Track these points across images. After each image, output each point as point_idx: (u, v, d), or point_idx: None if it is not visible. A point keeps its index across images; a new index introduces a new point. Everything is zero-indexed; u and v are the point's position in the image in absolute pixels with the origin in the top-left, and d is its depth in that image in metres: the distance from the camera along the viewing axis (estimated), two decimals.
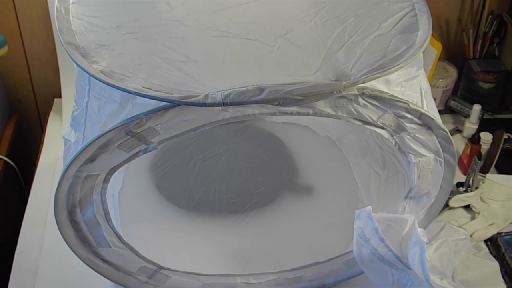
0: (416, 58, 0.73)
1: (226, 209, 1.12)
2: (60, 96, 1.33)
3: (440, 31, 1.45)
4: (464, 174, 1.22)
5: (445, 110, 1.41)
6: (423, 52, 1.33)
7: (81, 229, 0.80)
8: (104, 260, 0.85)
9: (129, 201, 1.09)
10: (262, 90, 0.65)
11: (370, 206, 0.82)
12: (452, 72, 1.40)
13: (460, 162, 1.25)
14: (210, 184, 1.17)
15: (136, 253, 0.86)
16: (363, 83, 0.68)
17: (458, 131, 1.36)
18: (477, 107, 1.31)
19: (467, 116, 1.35)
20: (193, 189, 1.16)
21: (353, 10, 0.82)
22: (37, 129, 1.45)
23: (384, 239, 0.81)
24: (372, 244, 0.81)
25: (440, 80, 1.37)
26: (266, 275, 0.95)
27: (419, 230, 0.81)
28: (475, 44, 1.40)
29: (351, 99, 0.71)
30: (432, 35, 1.28)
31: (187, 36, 0.77)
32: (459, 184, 1.18)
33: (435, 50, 1.28)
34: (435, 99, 1.38)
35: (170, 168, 1.20)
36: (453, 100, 1.39)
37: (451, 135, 1.32)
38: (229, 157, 1.24)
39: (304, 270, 0.96)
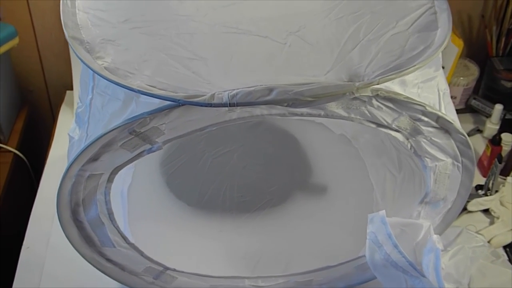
0: (434, 58, 0.69)
1: (237, 208, 1.10)
2: (72, 88, 1.31)
3: (462, 27, 1.41)
4: (484, 176, 1.18)
5: (466, 109, 1.37)
6: (444, 49, 1.30)
7: (84, 229, 0.78)
8: (109, 260, 0.83)
9: (138, 197, 1.07)
10: (271, 90, 0.62)
11: (384, 211, 0.79)
12: (474, 70, 1.35)
13: (480, 163, 1.21)
14: (221, 181, 1.15)
15: (142, 253, 0.84)
16: (377, 84, 0.65)
17: (479, 131, 1.32)
18: (499, 107, 1.26)
19: (488, 115, 1.31)
20: (203, 186, 1.14)
21: (370, 6, 0.78)
22: (49, 121, 1.44)
23: (397, 245, 0.78)
24: (385, 250, 0.79)
25: (461, 78, 1.33)
26: (275, 278, 0.93)
27: (435, 236, 0.79)
28: (498, 41, 1.35)
29: (365, 101, 0.68)
30: (453, 31, 1.25)
31: (195, 32, 0.74)
32: (478, 187, 1.14)
33: (456, 48, 1.23)
34: (455, 98, 1.35)
35: (181, 164, 1.18)
36: (474, 99, 1.35)
37: (471, 135, 1.30)
38: (241, 154, 1.21)
39: (314, 274, 0.93)
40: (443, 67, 1.28)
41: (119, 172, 1.05)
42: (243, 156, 1.20)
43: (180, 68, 0.68)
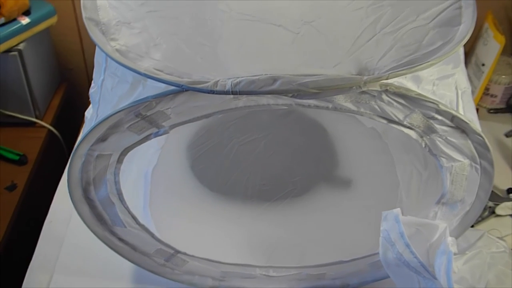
0: (452, 55, 0.66)
1: (258, 196, 1.10)
2: None
3: (509, 23, 1.35)
4: None
5: (507, 108, 1.32)
6: (485, 45, 1.25)
7: (96, 207, 0.79)
8: (121, 239, 0.84)
9: (162, 179, 1.08)
10: (275, 80, 0.61)
11: (399, 209, 0.77)
12: None
13: None
14: (245, 168, 1.15)
15: (152, 235, 0.85)
16: (387, 79, 0.63)
17: None
18: None
19: None
20: (227, 172, 1.14)
21: None
22: (86, 100, 1.46)
23: (409, 244, 0.76)
24: (397, 249, 0.77)
25: (503, 76, 1.28)
26: (288, 269, 0.92)
27: (449, 239, 0.76)
28: None
29: (374, 96, 0.66)
30: (496, 28, 1.20)
31: (210, 18, 0.73)
32: (510, 190, 1.10)
33: (498, 44, 1.19)
34: (495, 97, 1.30)
35: (208, 149, 1.18)
36: None
37: (510, 136, 1.26)
38: (269, 142, 1.20)
39: (327, 268, 0.92)
40: (483, 64, 1.25)
41: (145, 153, 1.07)
42: (270, 145, 1.20)
43: (190, 53, 0.68)
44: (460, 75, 0.74)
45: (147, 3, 0.75)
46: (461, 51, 0.76)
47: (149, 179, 1.06)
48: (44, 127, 1.25)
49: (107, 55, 0.66)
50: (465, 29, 0.70)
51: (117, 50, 0.67)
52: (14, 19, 1.15)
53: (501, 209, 1.05)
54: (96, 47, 0.76)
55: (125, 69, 0.66)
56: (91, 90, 0.76)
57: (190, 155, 1.17)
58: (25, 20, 1.16)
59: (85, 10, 0.72)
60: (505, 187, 1.12)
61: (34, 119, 1.25)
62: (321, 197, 1.10)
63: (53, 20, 1.21)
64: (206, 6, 0.76)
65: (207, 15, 0.74)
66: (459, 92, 0.72)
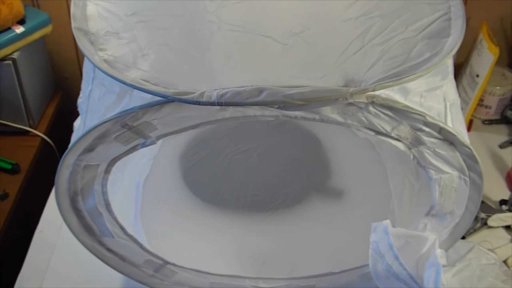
0: (440, 66, 0.66)
1: (250, 207, 1.09)
2: None
3: (504, 34, 1.35)
4: (510, 190, 1.13)
5: (501, 120, 1.32)
6: (480, 56, 1.25)
7: (84, 217, 0.79)
8: (109, 250, 0.84)
9: (154, 189, 1.08)
10: (261, 91, 0.61)
11: (388, 220, 0.77)
12: None
13: (508, 177, 1.16)
14: (238, 179, 1.14)
15: (141, 245, 0.84)
16: (373, 91, 0.63)
17: None
18: None
19: None
20: (219, 182, 1.13)
21: (381, 10, 0.75)
22: None
23: (398, 256, 0.76)
24: (386, 261, 0.77)
25: (497, 87, 1.28)
26: (277, 281, 0.92)
27: (438, 251, 0.76)
28: None
29: (361, 107, 0.66)
30: (490, 39, 1.20)
31: (200, 28, 0.73)
32: (503, 202, 1.10)
33: (492, 55, 1.18)
34: (490, 108, 1.30)
35: (200, 159, 1.18)
36: (510, 109, 1.30)
37: (504, 147, 1.26)
38: (262, 152, 1.20)
39: (317, 279, 0.92)
40: (477, 75, 1.24)
41: (137, 163, 1.07)
42: (263, 155, 1.19)
43: (178, 64, 0.68)
44: (449, 87, 0.74)
45: (137, 13, 0.75)
46: (449, 62, 0.76)
47: (141, 189, 1.06)
48: (37, 136, 1.25)
49: (94, 65, 0.66)
50: (453, 41, 0.70)
51: (104, 60, 0.67)
52: (9, 28, 1.15)
53: (493, 220, 1.05)
54: (85, 57, 0.76)
55: (112, 79, 0.66)
56: (79, 100, 0.76)
57: (182, 165, 1.17)
58: (19, 29, 1.16)
59: (75, 20, 0.73)
60: (498, 199, 1.11)
61: (27, 128, 1.25)
62: (313, 208, 1.10)
63: (48, 29, 1.21)
64: (196, 17, 0.76)
65: (196, 25, 0.74)
66: (448, 104, 0.72)
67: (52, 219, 1.05)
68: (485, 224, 1.05)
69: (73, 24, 0.72)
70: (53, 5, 1.30)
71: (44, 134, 1.26)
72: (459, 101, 0.75)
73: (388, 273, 0.77)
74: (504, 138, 1.28)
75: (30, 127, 1.26)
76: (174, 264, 0.88)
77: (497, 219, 1.05)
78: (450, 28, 0.72)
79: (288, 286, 0.91)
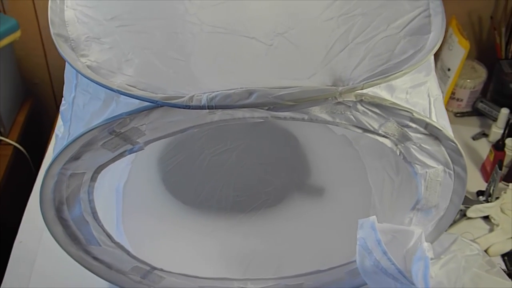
0: (424, 63, 0.67)
1: (232, 208, 1.09)
2: None
3: (472, 28, 1.38)
4: (487, 181, 1.16)
5: (473, 112, 1.35)
6: (450, 50, 1.27)
7: (70, 227, 0.78)
8: (95, 258, 0.83)
9: (134, 194, 1.06)
10: (250, 93, 0.61)
11: (375, 216, 0.78)
12: (482, 73, 1.33)
13: (483, 169, 1.19)
14: (218, 180, 1.14)
15: (128, 252, 0.83)
16: (362, 89, 0.63)
17: (485, 135, 1.29)
18: (505, 111, 1.23)
19: (495, 119, 1.28)
20: (199, 184, 1.13)
21: (362, 8, 0.76)
22: (53, 114, 1.44)
23: (386, 251, 0.77)
24: (374, 256, 0.78)
25: (468, 80, 1.30)
26: (265, 281, 0.92)
27: (425, 244, 0.77)
28: (507, 44, 1.32)
29: (350, 106, 0.66)
30: (461, 33, 1.22)
31: (182, 31, 0.73)
32: (479, 193, 1.12)
33: (463, 49, 1.21)
34: (461, 101, 1.32)
35: (179, 161, 1.17)
36: (481, 102, 1.32)
37: (477, 139, 1.28)
38: (241, 153, 1.20)
39: (305, 278, 0.92)
40: (449, 69, 1.26)
41: (116, 168, 1.06)
42: (242, 155, 1.19)
43: (163, 68, 0.67)
44: (432, 83, 0.75)
45: (117, 17, 0.74)
46: (431, 59, 0.77)
47: (121, 195, 1.04)
48: (9, 144, 1.22)
49: (78, 71, 0.65)
50: (435, 37, 0.71)
51: (88, 66, 0.66)
52: None
53: (472, 211, 1.07)
54: (66, 64, 0.75)
55: (97, 85, 0.65)
56: (62, 108, 0.75)
57: (161, 168, 1.16)
58: None
59: (53, 26, 0.71)
60: (475, 190, 1.13)
61: None
62: (295, 206, 1.10)
63: (16, 35, 1.19)
64: (176, 19, 0.75)
65: (177, 28, 0.73)
66: (431, 99, 0.73)
67: (31, 229, 1.03)
68: (464, 215, 1.07)
69: (52, 30, 0.70)
70: (19, 10, 1.27)
71: (16, 142, 1.24)
72: (441, 96, 0.77)
73: (376, 268, 0.78)
74: (476, 130, 1.31)
75: (2, 135, 1.23)
76: (161, 270, 0.87)
77: (475, 210, 1.06)
78: (431, 24, 0.73)
79: (277, 286, 0.91)
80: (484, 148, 1.25)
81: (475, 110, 1.34)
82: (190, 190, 1.12)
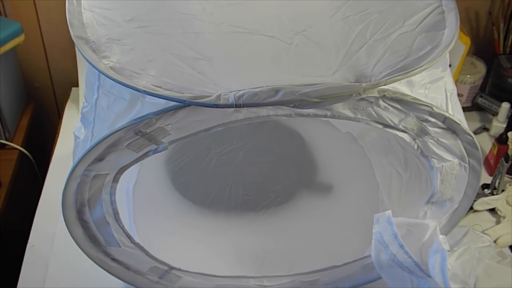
0: (442, 58, 0.69)
1: (242, 207, 1.10)
2: (77, 85, 1.31)
3: (470, 24, 1.40)
4: (490, 175, 1.17)
5: (472, 107, 1.37)
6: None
7: (90, 228, 0.78)
8: (114, 259, 0.83)
9: (144, 196, 1.07)
10: (277, 91, 0.62)
11: (390, 211, 0.79)
12: (481, 68, 1.35)
13: (486, 162, 1.20)
14: (227, 180, 1.14)
15: (147, 253, 0.84)
16: (385, 85, 0.64)
17: (485, 129, 1.31)
18: (505, 105, 1.25)
19: (495, 114, 1.30)
20: (208, 184, 1.13)
21: (376, 5, 0.77)
22: (54, 118, 1.44)
23: (403, 245, 0.77)
24: (391, 250, 0.78)
25: (468, 76, 1.32)
26: (280, 278, 0.93)
27: (441, 237, 0.78)
28: (505, 39, 1.34)
29: (372, 102, 0.68)
30: (461, 29, 1.23)
31: (201, 31, 0.73)
32: (485, 186, 1.14)
33: (463, 45, 1.23)
34: (461, 96, 1.34)
35: (186, 162, 1.18)
36: (481, 97, 1.34)
37: (477, 133, 1.30)
38: (247, 152, 1.21)
39: (320, 274, 0.93)
40: (449, 65, 1.28)
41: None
42: (249, 154, 1.20)
43: (186, 68, 0.67)
44: (448, 78, 0.76)
45: (135, 19, 0.75)
46: (447, 54, 0.78)
47: (131, 196, 1.04)
48: (15, 148, 1.22)
49: (102, 73, 0.65)
50: (450, 33, 0.72)
51: (111, 67, 0.67)
52: None
53: (478, 204, 1.09)
54: (88, 65, 0.75)
55: (121, 86, 0.65)
56: (83, 110, 0.75)
57: (169, 169, 1.16)
58: None
59: (73, 28, 0.71)
60: (480, 183, 1.15)
61: (4, 141, 1.22)
62: (304, 203, 1.11)
63: (20, 39, 1.18)
64: (194, 19, 0.76)
65: (196, 29, 0.74)
66: (448, 94, 0.75)
67: (43, 232, 1.03)
68: (471, 208, 1.09)
69: (72, 33, 0.71)
70: (20, 13, 1.27)
71: (21, 146, 1.23)
72: (456, 90, 0.78)
73: (392, 262, 0.79)
74: (477, 124, 1.33)
75: (7, 140, 1.22)
76: (179, 269, 0.87)
77: (482, 203, 1.08)
78: (445, 20, 0.75)
79: (292, 282, 0.92)
80: (485, 142, 1.27)
81: (475, 105, 1.36)
82: (200, 190, 1.12)
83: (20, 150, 1.22)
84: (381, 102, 0.68)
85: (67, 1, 0.75)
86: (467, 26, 1.39)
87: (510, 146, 1.16)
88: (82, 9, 0.75)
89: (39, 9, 1.27)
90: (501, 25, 1.33)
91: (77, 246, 0.79)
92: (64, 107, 1.33)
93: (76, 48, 0.70)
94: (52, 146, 1.23)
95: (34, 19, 1.28)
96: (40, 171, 1.29)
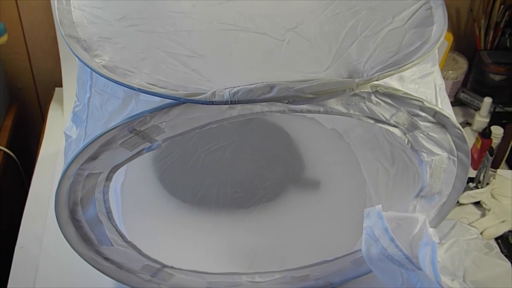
0: (432, 54, 0.70)
1: (231, 204, 1.10)
2: (61, 85, 1.30)
3: (451, 21, 1.42)
4: (474, 169, 1.19)
5: (455, 102, 1.38)
6: None
7: (82, 228, 0.78)
8: (106, 259, 0.83)
9: (132, 195, 1.06)
10: (271, 87, 0.62)
11: (380, 205, 0.80)
12: (463, 64, 1.37)
13: (470, 156, 1.22)
14: (215, 178, 1.15)
15: (139, 251, 0.84)
16: (377, 80, 0.65)
17: (468, 124, 1.33)
18: (488, 100, 1.27)
19: (477, 109, 1.32)
20: (197, 183, 1.13)
21: (366, 2, 0.78)
22: (38, 119, 1.42)
23: (394, 239, 0.78)
24: (381, 244, 0.79)
25: (450, 71, 1.34)
26: (272, 274, 0.93)
27: (430, 230, 0.79)
28: (486, 34, 1.37)
29: (364, 97, 0.68)
30: None
31: (193, 29, 0.74)
32: (469, 180, 1.15)
33: (446, 41, 1.24)
34: None
35: (174, 160, 1.17)
36: (463, 92, 1.36)
37: None
38: (234, 149, 1.21)
39: (311, 269, 0.93)
40: None
41: None
42: (236, 152, 1.20)
43: (179, 65, 0.68)
44: (437, 73, 0.78)
45: (126, 17, 0.75)
46: (437, 50, 0.80)
47: (119, 195, 1.04)
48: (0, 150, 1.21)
49: (96, 72, 0.65)
50: (439, 29, 0.73)
51: (103, 66, 0.66)
52: None
53: (464, 198, 1.10)
54: (79, 64, 0.75)
55: (115, 85, 0.65)
56: (75, 109, 0.74)
57: (157, 168, 1.16)
58: None
59: (63, 27, 0.71)
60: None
61: None
62: (292, 199, 1.12)
63: (3, 39, 1.17)
64: (185, 18, 0.76)
65: (188, 27, 0.74)
66: (437, 89, 0.76)
67: (31, 233, 1.02)
68: (457, 202, 1.10)
69: (62, 32, 0.70)
70: (2, 14, 1.25)
71: (5, 147, 1.22)
72: (444, 85, 0.79)
73: (383, 255, 0.80)
74: (459, 119, 1.35)
75: None
76: (172, 267, 0.87)
77: (467, 196, 1.10)
78: (433, 16, 0.76)
79: (283, 278, 0.93)
80: (468, 137, 1.27)
81: (457, 100, 1.38)
82: (188, 188, 1.12)
83: (4, 151, 1.21)
84: (373, 98, 0.69)
85: (56, 0, 0.74)
86: (449, 22, 1.40)
87: (493, 140, 1.18)
88: (72, 8, 0.75)
89: (21, 9, 1.26)
90: (482, 21, 1.35)
91: (67, 246, 0.79)
92: (48, 108, 1.31)
93: (59, 47, 0.70)
94: (36, 146, 1.22)
95: (16, 19, 1.27)
96: (25, 172, 1.28)
